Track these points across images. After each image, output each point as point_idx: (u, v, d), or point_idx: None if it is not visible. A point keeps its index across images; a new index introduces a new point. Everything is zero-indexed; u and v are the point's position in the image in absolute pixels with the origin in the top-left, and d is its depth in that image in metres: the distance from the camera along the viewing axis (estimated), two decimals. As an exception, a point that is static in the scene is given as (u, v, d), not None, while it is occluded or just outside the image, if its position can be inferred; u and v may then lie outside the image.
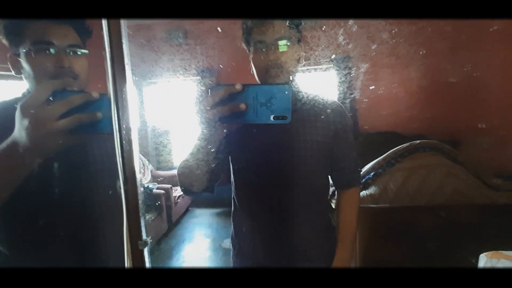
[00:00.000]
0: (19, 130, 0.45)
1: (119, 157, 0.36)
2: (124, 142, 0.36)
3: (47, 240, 0.63)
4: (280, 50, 0.69)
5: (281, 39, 0.69)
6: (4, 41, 0.62)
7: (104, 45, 0.36)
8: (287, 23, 0.70)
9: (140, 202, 0.37)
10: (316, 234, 0.82)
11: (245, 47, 0.76)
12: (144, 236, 0.37)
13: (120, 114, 0.35)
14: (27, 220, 0.62)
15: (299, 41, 0.74)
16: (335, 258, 0.83)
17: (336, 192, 0.91)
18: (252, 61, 0.74)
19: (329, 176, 0.87)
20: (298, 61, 0.75)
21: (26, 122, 0.44)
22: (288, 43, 0.70)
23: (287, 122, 0.51)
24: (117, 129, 0.36)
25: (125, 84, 0.35)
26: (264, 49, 0.70)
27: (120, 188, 0.36)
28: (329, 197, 0.90)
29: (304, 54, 0.77)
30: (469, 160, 1.86)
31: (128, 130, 0.37)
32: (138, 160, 0.37)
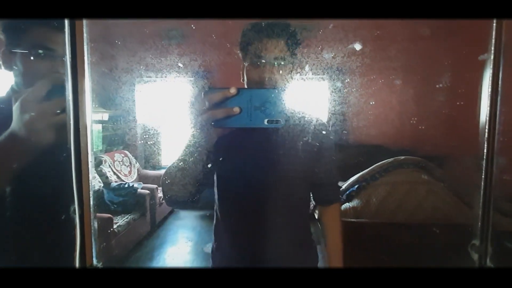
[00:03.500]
0: (18, 124, 0.49)
1: (75, 180, 0.36)
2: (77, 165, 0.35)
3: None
4: (276, 69, 0.70)
5: (279, 58, 0.70)
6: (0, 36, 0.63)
7: (65, 47, 0.36)
8: (287, 42, 0.71)
9: (92, 227, 0.36)
10: (297, 249, 0.83)
11: (240, 54, 0.76)
12: (94, 262, 0.37)
13: (77, 137, 0.35)
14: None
15: (294, 57, 0.75)
16: None
17: (317, 208, 0.92)
18: (246, 72, 0.74)
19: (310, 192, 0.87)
20: (291, 75, 0.75)
21: (26, 116, 0.47)
22: (284, 62, 0.71)
23: (281, 126, 0.51)
24: (73, 149, 0.35)
25: (83, 108, 0.35)
26: (260, 65, 0.71)
27: (75, 213, 0.35)
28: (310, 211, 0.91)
29: (295, 67, 0.78)
30: (450, 179, 1.90)
31: (85, 150, 0.36)
32: (91, 184, 0.37)
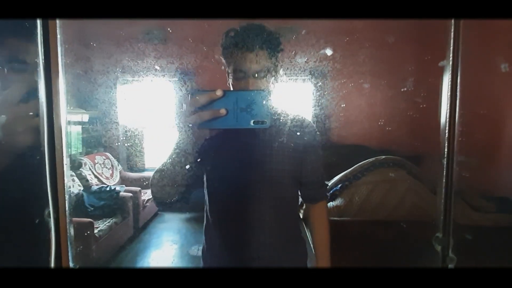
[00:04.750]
0: None
1: (49, 184, 0.35)
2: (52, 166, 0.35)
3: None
4: (258, 76, 0.71)
5: (261, 71, 0.71)
6: None
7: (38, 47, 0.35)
8: (268, 53, 0.72)
9: (68, 231, 0.36)
10: (288, 248, 0.84)
11: (224, 63, 0.77)
12: (71, 264, 0.36)
13: (51, 139, 0.35)
14: None
15: (276, 66, 0.76)
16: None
17: (304, 205, 0.94)
18: (231, 82, 0.76)
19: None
20: (274, 80, 0.77)
21: (2, 119, 0.45)
22: (267, 73, 0.72)
23: (267, 126, 0.53)
24: (48, 151, 0.35)
25: (58, 109, 0.35)
26: (243, 76, 0.72)
27: (49, 217, 0.35)
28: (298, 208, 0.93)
29: (278, 74, 0.80)
30: (427, 177, 1.99)
31: (60, 153, 0.36)
32: (67, 186, 0.36)
